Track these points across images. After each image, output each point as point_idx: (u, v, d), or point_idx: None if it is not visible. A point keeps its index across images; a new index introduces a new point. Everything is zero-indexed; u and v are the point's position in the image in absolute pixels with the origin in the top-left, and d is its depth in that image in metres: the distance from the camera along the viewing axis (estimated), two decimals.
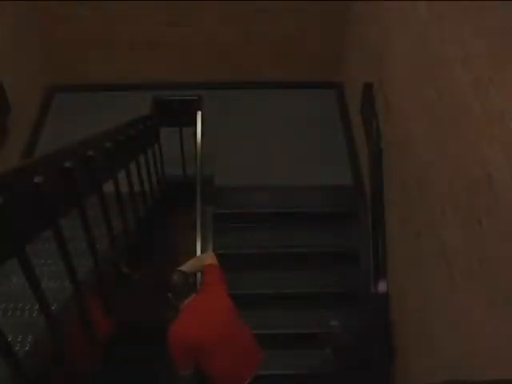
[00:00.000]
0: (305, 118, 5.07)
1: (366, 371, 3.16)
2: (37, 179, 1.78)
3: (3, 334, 1.63)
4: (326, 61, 5.22)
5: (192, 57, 5.16)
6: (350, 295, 4.12)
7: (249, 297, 3.88)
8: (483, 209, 2.07)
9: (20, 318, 2.32)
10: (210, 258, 3.19)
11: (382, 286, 3.24)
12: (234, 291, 3.18)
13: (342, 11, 4.78)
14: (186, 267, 3.12)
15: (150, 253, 4.12)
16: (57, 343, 2.05)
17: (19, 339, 2.10)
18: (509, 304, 1.88)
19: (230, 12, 4.82)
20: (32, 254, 1.77)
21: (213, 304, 2.98)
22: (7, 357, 1.68)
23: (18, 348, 2.04)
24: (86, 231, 2.37)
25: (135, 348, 4.75)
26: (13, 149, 4.44)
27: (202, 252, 3.60)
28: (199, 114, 3.97)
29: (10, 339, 1.72)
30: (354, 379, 3.22)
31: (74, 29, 4.91)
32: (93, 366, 2.75)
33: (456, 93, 2.35)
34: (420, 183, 2.84)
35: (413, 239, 2.96)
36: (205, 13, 4.84)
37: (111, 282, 2.91)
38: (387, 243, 3.48)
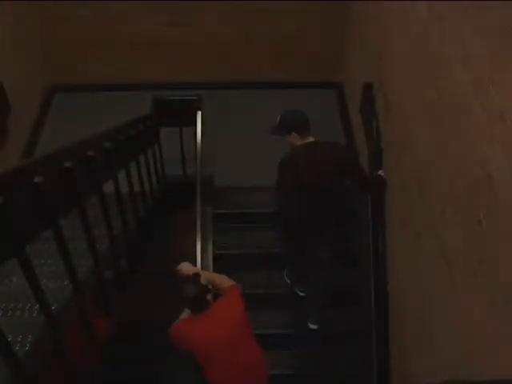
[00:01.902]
0: None
1: None
2: (37, 179, 1.78)
3: (3, 334, 1.63)
4: (326, 61, 5.22)
5: (192, 57, 5.16)
6: (350, 295, 4.12)
7: (248, 297, 3.87)
8: (483, 209, 2.07)
9: (20, 318, 2.32)
10: (226, 281, 3.11)
11: (380, 172, 3.46)
12: None
13: (341, 11, 4.78)
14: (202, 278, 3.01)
15: (149, 253, 4.12)
16: (57, 343, 2.05)
17: (19, 339, 2.10)
18: (509, 304, 1.88)
19: (229, 12, 4.82)
20: (32, 254, 1.78)
21: (224, 314, 2.92)
22: (7, 357, 1.68)
23: (17, 348, 2.04)
24: (86, 231, 2.37)
25: (135, 348, 4.75)
26: (13, 149, 4.44)
27: (201, 252, 3.59)
28: (199, 114, 3.97)
29: (10, 339, 1.72)
30: None
31: (74, 29, 4.91)
32: (93, 366, 2.75)
33: (456, 93, 2.35)
34: (420, 183, 2.84)
35: (413, 239, 2.96)
36: (205, 13, 4.84)
37: (110, 281, 2.90)
38: (387, 243, 3.48)
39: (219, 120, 4.85)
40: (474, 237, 2.16)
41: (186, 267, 3.15)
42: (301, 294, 3.95)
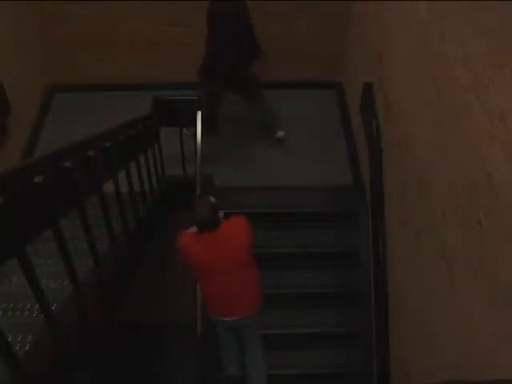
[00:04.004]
0: (305, 118, 5.07)
1: None
2: (37, 179, 1.78)
3: (3, 334, 1.63)
4: (326, 61, 5.22)
5: (192, 57, 5.15)
6: (350, 295, 4.12)
7: None
8: (483, 209, 2.07)
9: (20, 318, 2.32)
10: None
11: None
12: None
13: (342, 11, 4.78)
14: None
15: (149, 253, 4.12)
16: (57, 343, 2.05)
17: (19, 339, 2.11)
18: (509, 304, 1.88)
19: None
20: (32, 254, 1.78)
21: (228, 237, 3.04)
22: (7, 357, 1.68)
23: (17, 348, 2.04)
24: (86, 231, 2.37)
25: (135, 348, 4.75)
26: (13, 149, 4.44)
27: None
28: (199, 114, 3.97)
29: (10, 339, 1.72)
30: None
31: (74, 29, 4.91)
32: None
33: (456, 93, 2.35)
34: (420, 183, 2.84)
35: (413, 239, 2.96)
36: (205, 13, 4.83)
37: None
38: (387, 243, 3.48)
39: (219, 120, 4.85)
40: (474, 237, 2.16)
41: None
42: None
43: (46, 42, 4.99)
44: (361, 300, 3.97)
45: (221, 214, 3.06)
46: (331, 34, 5.00)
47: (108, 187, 2.73)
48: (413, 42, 3.00)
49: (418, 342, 2.91)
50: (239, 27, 4.17)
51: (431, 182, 2.67)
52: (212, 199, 3.04)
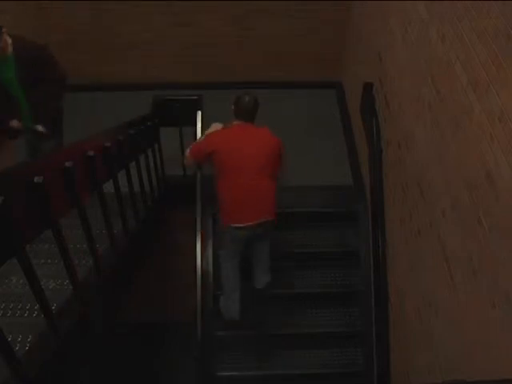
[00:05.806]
0: (305, 118, 5.07)
1: None
2: (37, 179, 1.78)
3: (3, 334, 1.63)
4: (326, 61, 5.22)
5: (192, 57, 5.16)
6: (350, 295, 4.12)
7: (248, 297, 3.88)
8: (483, 208, 2.08)
9: (20, 317, 2.32)
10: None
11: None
12: None
13: (342, 11, 4.79)
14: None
15: (149, 253, 4.12)
16: (57, 343, 2.05)
17: (19, 339, 2.11)
18: (509, 304, 1.88)
19: (229, 12, 4.82)
20: (32, 254, 1.78)
21: (260, 138, 3.27)
22: (7, 357, 1.68)
23: (17, 348, 2.05)
24: (85, 231, 2.37)
25: (135, 348, 4.76)
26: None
27: (201, 252, 3.59)
28: (199, 114, 3.97)
29: (9, 339, 1.72)
30: None
31: (74, 29, 4.91)
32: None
33: (456, 93, 2.35)
34: (420, 183, 2.84)
35: (413, 239, 2.96)
36: (205, 13, 4.84)
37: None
38: (387, 243, 3.48)
39: (219, 120, 4.84)
40: (474, 236, 2.16)
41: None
42: None
43: (46, 42, 4.99)
44: (361, 300, 3.97)
45: None
46: (331, 34, 5.01)
47: (106, 187, 2.73)
48: (413, 41, 3.00)
49: (418, 341, 2.91)
50: None
51: (431, 181, 2.67)
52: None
